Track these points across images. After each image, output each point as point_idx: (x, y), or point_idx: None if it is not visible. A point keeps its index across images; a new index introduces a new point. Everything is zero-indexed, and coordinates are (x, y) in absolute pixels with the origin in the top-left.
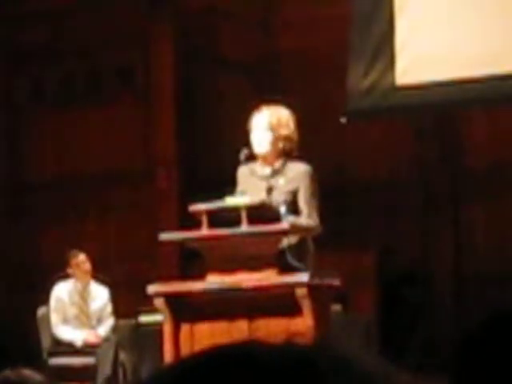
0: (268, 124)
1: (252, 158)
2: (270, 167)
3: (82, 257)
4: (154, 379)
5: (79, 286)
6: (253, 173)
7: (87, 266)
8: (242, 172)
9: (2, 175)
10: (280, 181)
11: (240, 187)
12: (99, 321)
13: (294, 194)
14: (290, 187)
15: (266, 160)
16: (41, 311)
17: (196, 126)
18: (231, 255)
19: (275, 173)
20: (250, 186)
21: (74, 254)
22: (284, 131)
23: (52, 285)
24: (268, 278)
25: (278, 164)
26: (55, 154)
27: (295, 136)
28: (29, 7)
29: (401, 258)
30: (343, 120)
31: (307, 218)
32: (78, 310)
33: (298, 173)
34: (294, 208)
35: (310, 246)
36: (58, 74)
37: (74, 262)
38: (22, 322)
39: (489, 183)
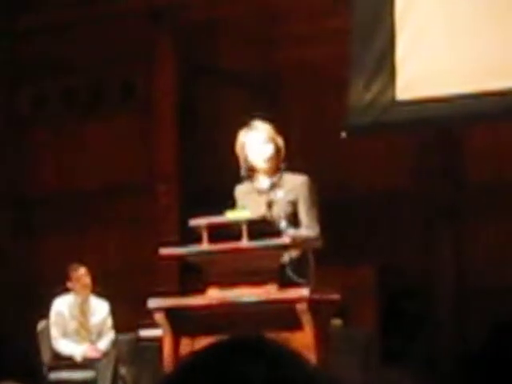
0: (267, 137)
1: (251, 174)
2: (268, 181)
3: (82, 270)
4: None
5: (79, 299)
6: (251, 189)
7: (87, 279)
8: (240, 190)
9: (3, 189)
10: (279, 193)
11: (239, 205)
12: (99, 335)
13: (294, 205)
14: (289, 199)
15: (266, 173)
16: (41, 325)
17: (197, 141)
18: (232, 270)
19: (274, 186)
20: (250, 202)
21: (74, 267)
22: (280, 142)
23: (52, 299)
24: (268, 292)
25: (275, 177)
26: (56, 167)
27: (283, 147)
28: (31, 20)
29: (401, 272)
30: (343, 135)
31: (307, 228)
32: (77, 324)
33: (296, 184)
34: (294, 219)
35: (311, 260)
36: (60, 88)
37: (74, 275)
38: (22, 336)
39: (490, 197)
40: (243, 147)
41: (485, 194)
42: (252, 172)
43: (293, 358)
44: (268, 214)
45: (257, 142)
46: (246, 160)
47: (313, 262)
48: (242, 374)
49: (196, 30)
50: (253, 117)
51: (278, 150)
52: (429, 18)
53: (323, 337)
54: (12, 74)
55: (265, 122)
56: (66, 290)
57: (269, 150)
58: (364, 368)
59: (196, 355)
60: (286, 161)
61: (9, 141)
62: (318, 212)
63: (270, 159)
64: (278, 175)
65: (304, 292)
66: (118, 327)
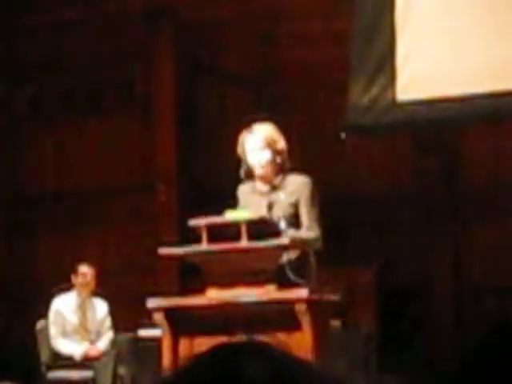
0: (264, 142)
1: (251, 175)
2: (269, 183)
3: (85, 268)
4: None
5: (79, 299)
6: (253, 190)
7: (89, 278)
8: (243, 190)
9: (1, 188)
10: (281, 195)
11: (241, 205)
12: (98, 334)
13: (295, 207)
14: (291, 200)
15: (265, 178)
16: (40, 324)
17: (196, 140)
18: (231, 270)
19: (275, 188)
20: (251, 203)
21: (81, 265)
22: (279, 145)
23: (51, 298)
24: (267, 293)
25: (277, 180)
26: (55, 167)
27: (286, 148)
28: (30, 20)
29: (400, 273)
30: (343, 135)
31: (308, 229)
32: (77, 323)
33: (297, 185)
34: (295, 221)
35: (312, 260)
36: (59, 88)
37: (80, 271)
38: (21, 335)
39: (489, 198)
40: (243, 150)
41: (483, 195)
42: (252, 174)
43: (295, 359)
44: (268, 215)
45: (253, 147)
46: (245, 162)
47: (314, 263)
48: (246, 373)
49: (196, 30)
50: (253, 118)
51: (277, 153)
52: (429, 19)
53: (322, 337)
54: (11, 74)
55: (266, 123)
56: (66, 289)
57: (265, 156)
58: (363, 369)
59: (198, 357)
60: (288, 161)
61: (7, 140)
62: (319, 213)
63: (266, 166)
64: (280, 177)
65: (303, 292)
66: (118, 327)
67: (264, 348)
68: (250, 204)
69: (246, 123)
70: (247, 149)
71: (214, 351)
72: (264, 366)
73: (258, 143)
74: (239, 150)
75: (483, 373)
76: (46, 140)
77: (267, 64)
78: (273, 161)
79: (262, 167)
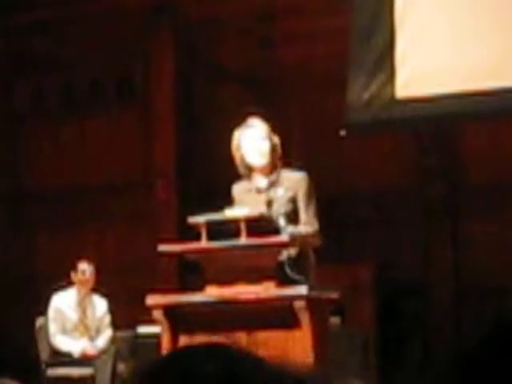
0: (265, 133)
1: (249, 170)
2: (266, 179)
3: (85, 265)
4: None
5: (78, 296)
6: (249, 188)
7: (88, 275)
8: (238, 189)
9: (2, 186)
10: (279, 192)
11: (238, 204)
12: (97, 331)
13: (293, 203)
14: (288, 196)
15: (263, 171)
16: (39, 322)
17: (195, 138)
18: (230, 267)
19: (272, 184)
20: (249, 202)
21: (81, 262)
22: (275, 140)
23: (51, 295)
24: (266, 290)
25: (273, 176)
26: (54, 165)
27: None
28: (30, 17)
29: (399, 271)
30: (343, 133)
31: (306, 224)
32: (76, 320)
33: (294, 181)
34: (293, 217)
35: (311, 258)
36: (58, 85)
37: (80, 268)
38: (20, 332)
39: (488, 196)
40: (239, 147)
41: (482, 193)
42: (249, 171)
43: (253, 359)
44: (267, 212)
45: (253, 139)
46: (242, 159)
47: (313, 260)
48: (199, 372)
49: (196, 27)
50: (249, 114)
51: (274, 147)
52: (429, 16)
53: (321, 335)
54: (10, 70)
55: (261, 119)
56: (65, 286)
57: (265, 145)
58: (362, 366)
59: (159, 358)
60: (282, 158)
61: (7, 137)
62: (316, 208)
63: (267, 155)
64: (276, 173)
65: (302, 290)
66: (117, 324)
67: (222, 349)
68: (247, 202)
69: (240, 117)
70: (245, 142)
71: (173, 352)
72: (218, 365)
73: (257, 134)
74: (233, 148)
75: (483, 373)
76: (45, 138)
77: (267, 62)
78: (271, 152)
79: (263, 157)
